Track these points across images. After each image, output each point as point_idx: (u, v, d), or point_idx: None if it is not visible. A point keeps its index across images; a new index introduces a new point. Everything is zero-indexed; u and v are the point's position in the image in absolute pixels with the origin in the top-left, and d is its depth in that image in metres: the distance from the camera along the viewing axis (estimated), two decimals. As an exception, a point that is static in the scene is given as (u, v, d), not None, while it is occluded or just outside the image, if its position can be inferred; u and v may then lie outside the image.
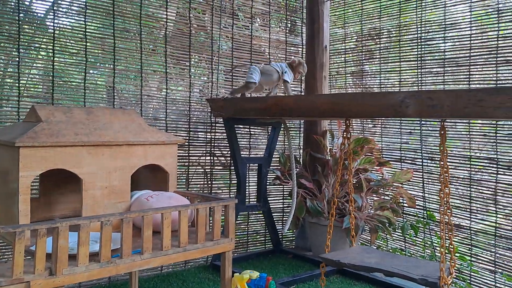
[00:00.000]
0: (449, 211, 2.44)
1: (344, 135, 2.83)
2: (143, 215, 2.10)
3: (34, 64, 3.38)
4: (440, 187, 2.37)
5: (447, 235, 2.39)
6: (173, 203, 2.45)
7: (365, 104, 2.60)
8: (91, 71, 3.47)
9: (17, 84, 3.17)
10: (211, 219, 2.83)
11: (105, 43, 3.49)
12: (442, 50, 3.67)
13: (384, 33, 4.11)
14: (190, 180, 3.87)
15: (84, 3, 3.38)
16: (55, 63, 3.27)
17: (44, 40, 3.33)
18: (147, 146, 2.60)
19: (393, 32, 4.03)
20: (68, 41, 3.42)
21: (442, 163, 2.41)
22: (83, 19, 3.38)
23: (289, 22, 4.52)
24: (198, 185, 3.96)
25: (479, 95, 2.17)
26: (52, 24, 3.30)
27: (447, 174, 2.40)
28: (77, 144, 2.33)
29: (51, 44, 3.27)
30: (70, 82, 3.42)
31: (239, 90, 3.53)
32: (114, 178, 2.49)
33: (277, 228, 4.11)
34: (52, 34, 3.27)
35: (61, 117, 2.43)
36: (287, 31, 4.47)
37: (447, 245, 2.38)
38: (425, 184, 3.75)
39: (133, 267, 2.11)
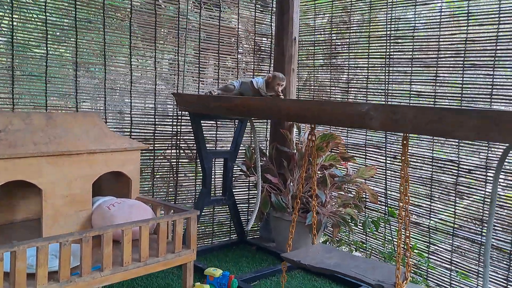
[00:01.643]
0: (407, 218, 2.50)
1: (309, 138, 2.86)
2: (103, 233, 2.08)
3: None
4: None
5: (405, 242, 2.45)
6: (134, 212, 2.44)
7: (331, 112, 2.59)
8: (54, 45, 3.34)
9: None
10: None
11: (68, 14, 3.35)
12: (411, 49, 3.68)
13: (354, 28, 4.08)
14: (155, 173, 3.84)
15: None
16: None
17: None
18: (108, 153, 2.56)
19: (363, 27, 4.01)
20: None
21: (402, 173, 2.45)
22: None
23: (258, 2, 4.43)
24: (164, 178, 3.93)
25: (442, 113, 2.18)
26: None
27: (407, 183, 2.45)
28: (36, 155, 2.27)
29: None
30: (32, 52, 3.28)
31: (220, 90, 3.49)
32: (75, 187, 2.45)
33: (242, 219, 4.14)
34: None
35: (20, 124, 2.36)
36: (256, 8, 4.38)
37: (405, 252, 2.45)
38: (387, 182, 3.82)
39: (93, 284, 2.10)
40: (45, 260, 1.92)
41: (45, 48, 3.24)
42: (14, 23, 3.13)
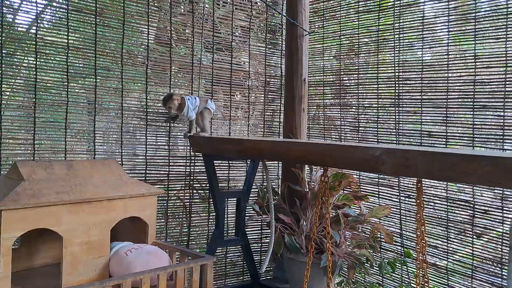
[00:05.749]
0: (425, 264, 2.50)
1: (322, 179, 2.90)
2: (122, 283, 2.11)
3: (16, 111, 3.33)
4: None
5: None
6: (151, 259, 2.47)
7: (341, 156, 2.62)
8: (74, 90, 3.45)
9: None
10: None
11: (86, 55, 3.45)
12: (420, 90, 3.73)
13: (362, 69, 4.16)
14: (169, 214, 3.88)
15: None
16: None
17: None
18: (126, 199, 2.61)
19: (371, 69, 4.09)
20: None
21: (418, 216, 2.47)
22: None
23: (269, 44, 4.55)
24: (177, 218, 3.97)
25: (453, 160, 2.20)
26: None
27: (423, 227, 2.46)
28: (58, 204, 2.32)
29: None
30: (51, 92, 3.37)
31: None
32: (93, 234, 2.49)
33: (255, 260, 4.14)
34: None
35: (42, 174, 2.42)
36: (266, 49, 4.49)
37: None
38: (402, 221, 3.82)
39: (113, 334, 2.12)
40: (66, 311, 1.95)
41: (66, 95, 3.34)
42: (38, 73, 3.25)
